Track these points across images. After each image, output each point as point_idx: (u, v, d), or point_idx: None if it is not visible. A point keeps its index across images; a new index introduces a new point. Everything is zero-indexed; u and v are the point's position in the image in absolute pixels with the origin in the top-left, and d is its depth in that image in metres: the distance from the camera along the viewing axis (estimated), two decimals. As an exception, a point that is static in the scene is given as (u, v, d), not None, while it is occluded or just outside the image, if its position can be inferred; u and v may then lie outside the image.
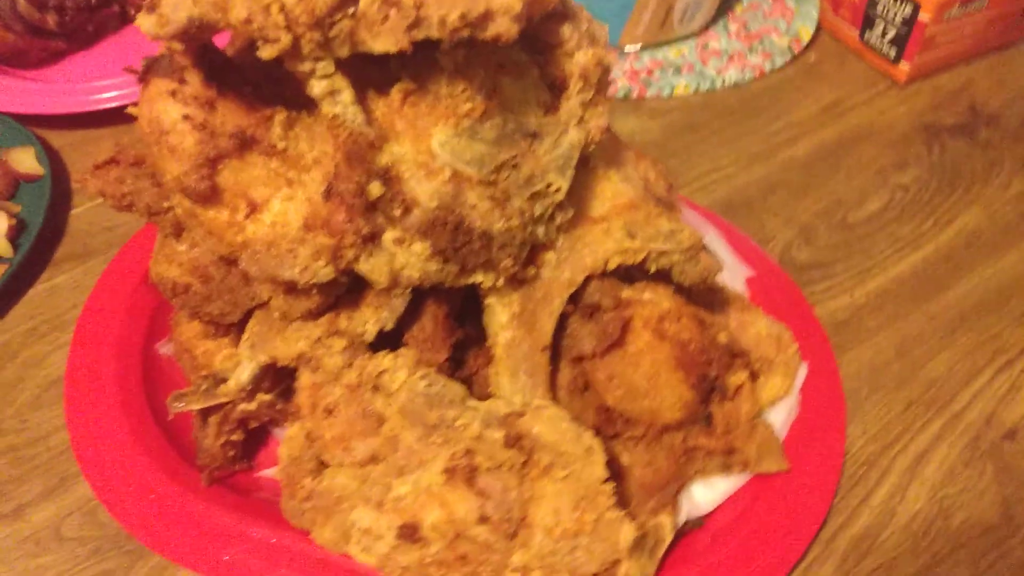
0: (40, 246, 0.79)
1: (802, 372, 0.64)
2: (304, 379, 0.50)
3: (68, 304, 0.76)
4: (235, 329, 0.59)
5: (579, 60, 0.49)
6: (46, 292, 0.77)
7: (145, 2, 0.39)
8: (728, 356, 0.55)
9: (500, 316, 0.49)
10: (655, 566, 0.52)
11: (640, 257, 0.54)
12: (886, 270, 0.78)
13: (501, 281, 0.48)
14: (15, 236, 0.78)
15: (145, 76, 0.44)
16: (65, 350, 0.72)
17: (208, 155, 0.44)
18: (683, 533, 0.56)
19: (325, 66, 0.41)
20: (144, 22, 0.39)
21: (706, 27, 1.04)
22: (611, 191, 0.55)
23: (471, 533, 0.46)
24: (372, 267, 0.45)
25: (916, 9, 0.91)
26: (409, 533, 0.47)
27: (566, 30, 0.49)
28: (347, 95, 0.42)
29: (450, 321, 0.54)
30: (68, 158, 0.89)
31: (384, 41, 0.40)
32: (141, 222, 0.81)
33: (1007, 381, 0.70)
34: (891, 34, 0.95)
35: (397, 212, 0.44)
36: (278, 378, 0.56)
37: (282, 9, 0.38)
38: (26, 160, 0.85)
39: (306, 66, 0.40)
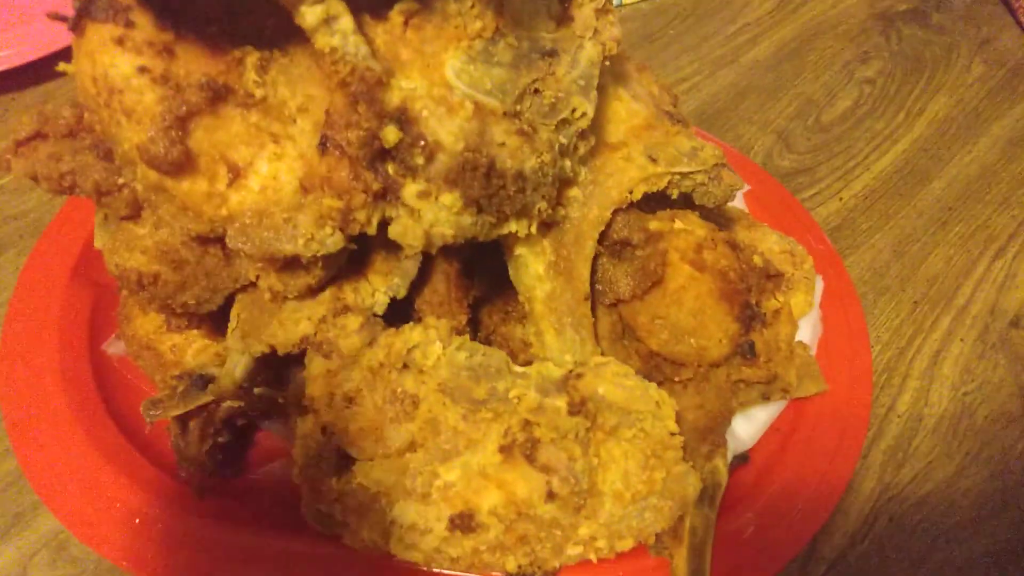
0: (-67, 245, 0.67)
1: (819, 286, 0.61)
2: (316, 366, 0.43)
3: (-17, 308, 0.65)
4: (206, 318, 0.51)
5: (589, -38, 0.43)
6: (-51, 297, 0.66)
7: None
8: (764, 279, 0.51)
9: (534, 267, 0.43)
10: (715, 513, 0.48)
11: (664, 183, 0.49)
12: (868, 168, 0.76)
13: (534, 227, 0.42)
14: (-101, 237, 0.66)
15: (79, 22, 0.35)
16: (-10, 364, 0.62)
17: (176, 113, 0.35)
18: (730, 472, 0.53)
19: (319, -13, 0.33)
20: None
21: (642, -72, 0.97)
22: (624, 111, 0.49)
23: (536, 512, 0.41)
24: (404, 229, 0.38)
25: None
26: (464, 522, 0.41)
27: (574, -73, 0.42)
28: (346, 22, 0.34)
29: (463, 279, 0.48)
30: (-53, 136, 0.76)
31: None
32: (54, 205, 0.70)
33: (1003, 269, 0.69)
34: (836, -79, 0.91)
35: (419, 160, 0.36)
36: (273, 367, 0.48)
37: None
38: None
39: (296, -13, 0.32)
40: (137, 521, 0.50)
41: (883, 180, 0.75)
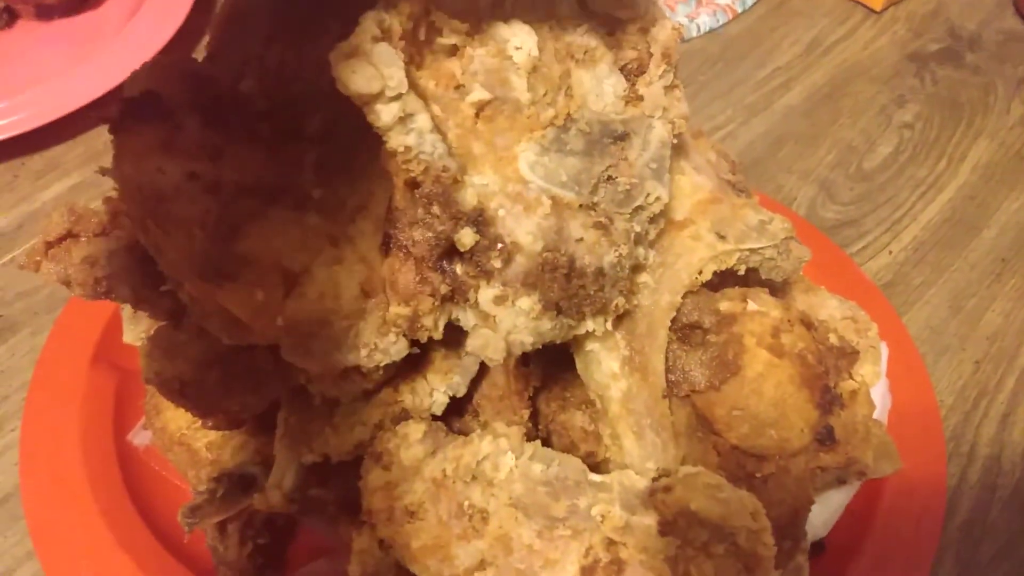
0: (-58, 329, 0.64)
1: (884, 353, 0.58)
2: (374, 478, 0.39)
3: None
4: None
5: (658, 36, 0.40)
6: (-37, 383, 0.62)
7: None
8: (841, 358, 0.48)
9: (608, 364, 0.40)
10: (799, 613, 0.45)
11: (734, 260, 0.46)
12: (915, 218, 0.73)
13: (610, 324, 0.39)
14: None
15: (122, 122, 0.32)
16: (5, 457, 0.59)
17: (228, 222, 0.32)
18: (807, 562, 0.50)
19: (397, 83, 0.30)
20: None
21: (664, -29, 0.95)
22: (688, 186, 0.46)
23: (621, 637, 0.37)
24: (485, 342, 0.35)
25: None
26: (541, 648, 0.38)
27: (640, 1, 0.40)
28: (423, 120, 0.31)
29: (522, 369, 0.45)
30: (-46, 207, 0.73)
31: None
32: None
33: (1065, 322, 0.67)
34: (863, -40, 0.89)
35: (496, 263, 0.33)
36: (322, 471, 0.45)
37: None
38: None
39: (373, 85, 0.29)
40: (172, 635, 0.46)
41: (931, 231, 0.72)
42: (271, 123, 0.34)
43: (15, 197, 0.74)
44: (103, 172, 0.35)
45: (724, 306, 0.45)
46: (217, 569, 0.49)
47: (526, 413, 0.44)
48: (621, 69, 0.41)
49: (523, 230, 0.34)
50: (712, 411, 0.44)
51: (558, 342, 0.38)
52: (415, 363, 0.41)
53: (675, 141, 0.42)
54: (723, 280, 0.48)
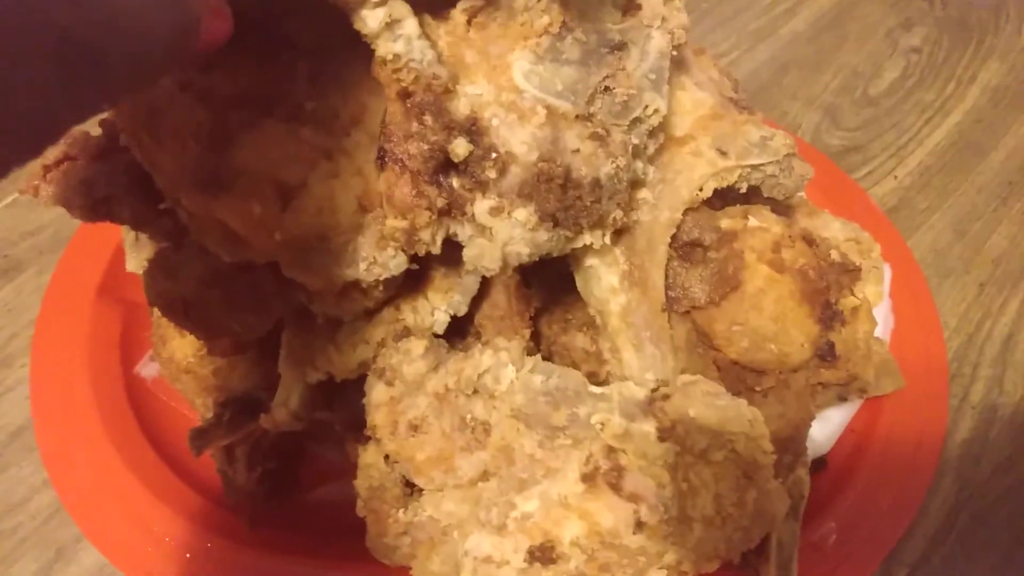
0: (-53, 268, 0.64)
1: (887, 275, 0.58)
2: (378, 394, 0.40)
3: (5, 335, 0.62)
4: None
5: (656, -58, 0.39)
6: (-29, 321, 0.63)
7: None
8: (843, 274, 0.47)
9: (608, 278, 0.40)
10: (799, 525, 0.46)
11: (735, 177, 0.45)
12: (922, 143, 0.72)
13: (608, 238, 0.39)
14: (-86, 257, 0.63)
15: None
16: (17, 392, 0.59)
17: (222, 133, 0.32)
18: (808, 478, 0.50)
19: (382, -12, 0.29)
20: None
21: None
22: (689, 102, 0.46)
23: (622, 542, 0.38)
24: (481, 251, 0.35)
25: None
26: (543, 554, 0.39)
27: (638, -96, 0.39)
28: (410, 25, 0.31)
29: (523, 290, 0.45)
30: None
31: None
32: (72, 219, 0.67)
33: (1071, 245, 0.66)
34: None
35: (491, 174, 0.33)
36: (324, 390, 0.45)
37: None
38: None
39: (356, -10, 0.29)
40: (188, 556, 0.48)
41: (938, 155, 0.71)
42: (262, 33, 0.34)
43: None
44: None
45: (725, 223, 0.45)
46: (227, 494, 0.50)
47: (527, 332, 0.44)
48: (618, -22, 0.40)
49: (517, 140, 0.34)
50: (712, 326, 0.44)
51: (555, 255, 0.38)
52: (416, 282, 0.41)
53: (674, 53, 0.42)
54: (724, 199, 0.48)
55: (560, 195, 0.34)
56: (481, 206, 0.34)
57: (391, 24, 0.30)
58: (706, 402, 0.37)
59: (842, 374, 0.48)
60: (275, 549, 0.48)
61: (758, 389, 0.45)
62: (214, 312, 0.40)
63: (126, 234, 0.48)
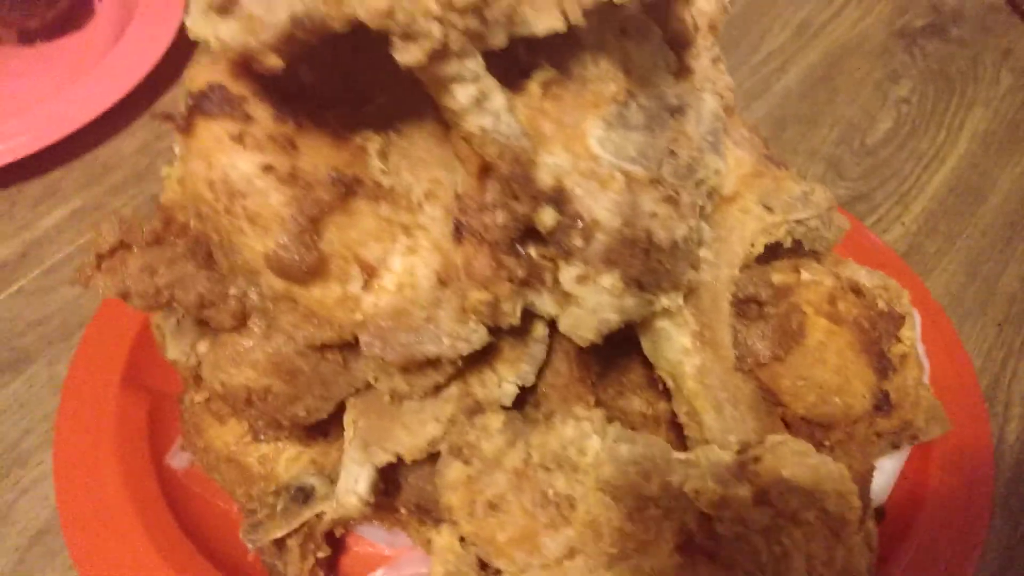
0: (-47, 363, 0.61)
1: (917, 320, 0.58)
2: (455, 473, 0.38)
3: (17, 431, 0.59)
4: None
5: (704, 8, 0.40)
6: (-17, 418, 0.60)
7: (216, 2, 0.26)
8: (890, 323, 0.48)
9: (680, 340, 0.40)
10: (873, 579, 0.45)
11: (782, 232, 0.46)
12: (923, 189, 0.74)
13: (681, 299, 0.38)
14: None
15: (190, 120, 0.31)
16: (34, 493, 0.56)
17: (308, 215, 0.31)
18: (869, 529, 0.50)
19: (473, 65, 0.29)
20: (216, 30, 0.26)
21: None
22: (732, 160, 0.46)
23: (717, 613, 0.37)
24: (577, 321, 0.34)
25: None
26: (635, 631, 0.37)
27: (687, -26, 0.40)
28: (498, 100, 0.31)
29: (583, 356, 0.44)
30: (-48, 240, 0.70)
31: (550, 16, 0.29)
32: (80, 305, 0.65)
33: (1078, 280, 0.68)
34: (844, -57, 0.91)
35: (578, 242, 0.33)
36: (386, 474, 0.44)
37: (437, -8, 0.26)
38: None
39: (451, 68, 0.29)
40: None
41: (939, 201, 0.73)
42: (338, 110, 0.33)
43: (14, 225, 0.72)
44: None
45: (777, 278, 0.45)
46: (276, 587, 0.48)
47: (591, 399, 0.43)
48: (669, 42, 0.41)
49: (601, 207, 0.33)
50: (778, 383, 0.44)
51: (636, 320, 0.37)
52: (484, 356, 0.40)
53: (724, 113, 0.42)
54: (768, 254, 0.48)
55: (644, 259, 0.34)
56: (568, 274, 0.34)
57: (480, 99, 0.30)
58: (798, 461, 0.37)
59: (896, 422, 0.48)
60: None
61: (826, 444, 0.45)
62: (279, 398, 0.39)
63: (165, 321, 0.47)
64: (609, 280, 0.34)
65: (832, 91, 0.83)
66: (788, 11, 0.92)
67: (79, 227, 0.71)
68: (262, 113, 0.31)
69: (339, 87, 0.34)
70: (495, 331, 0.37)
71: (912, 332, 0.54)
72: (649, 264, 0.35)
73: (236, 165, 0.31)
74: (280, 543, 0.47)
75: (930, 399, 0.52)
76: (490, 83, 0.31)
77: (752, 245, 0.44)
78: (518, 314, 0.35)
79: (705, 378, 0.40)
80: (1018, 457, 0.57)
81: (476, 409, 0.40)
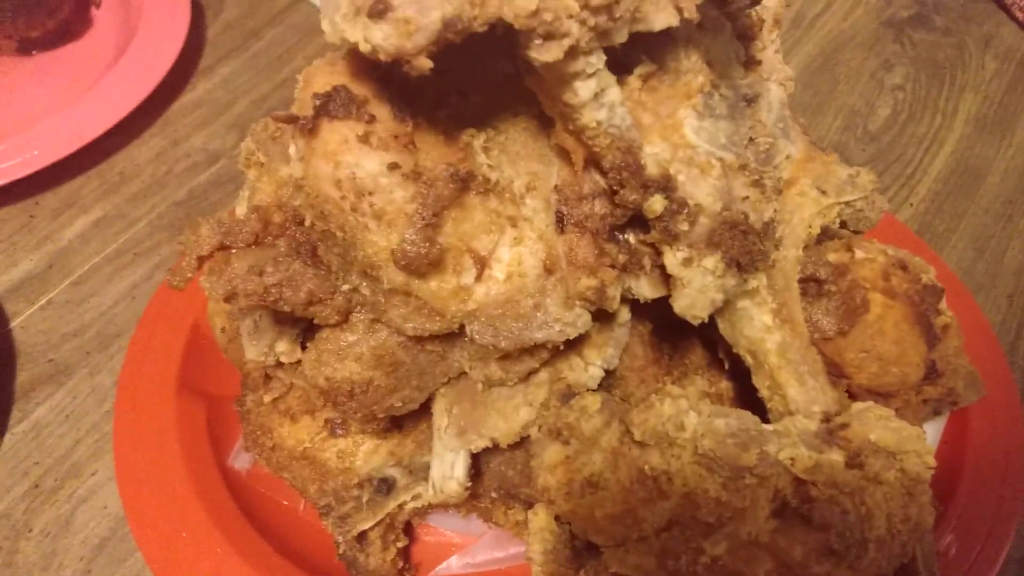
0: (-8, 380, 0.60)
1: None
2: (553, 454, 0.40)
3: (66, 443, 0.59)
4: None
5: (769, 4, 0.42)
6: (28, 435, 0.59)
7: (359, 4, 0.27)
8: (933, 296, 0.51)
9: (761, 318, 0.42)
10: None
11: (835, 214, 0.48)
12: (927, 172, 0.78)
13: (766, 279, 0.40)
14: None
15: (315, 121, 0.32)
16: (92, 503, 0.56)
17: (431, 210, 0.33)
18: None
19: (596, 60, 0.31)
20: (370, 34, 0.27)
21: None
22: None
23: (810, 572, 0.39)
24: (692, 301, 0.36)
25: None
26: (733, 596, 0.39)
27: (752, -30, 0.42)
28: (614, 93, 0.32)
29: (655, 339, 0.46)
30: (-23, 255, 0.69)
31: (667, 13, 0.31)
32: (115, 314, 0.64)
33: (1077, 252, 0.72)
34: (832, -62, 0.94)
35: (684, 226, 0.35)
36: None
37: (580, -8, 0.27)
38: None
39: (579, 64, 0.30)
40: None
41: (943, 181, 0.77)
42: (448, 109, 0.35)
43: (36, 237, 0.71)
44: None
45: (833, 257, 0.48)
46: (358, 579, 0.48)
47: (667, 380, 0.45)
48: (738, 36, 0.43)
49: (703, 192, 0.35)
50: (842, 355, 0.46)
51: (732, 299, 0.39)
52: (571, 341, 0.42)
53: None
54: (820, 235, 0.50)
55: (743, 240, 0.36)
56: (673, 258, 0.35)
57: (599, 93, 0.32)
58: (883, 425, 0.39)
59: (941, 389, 0.51)
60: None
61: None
62: (379, 390, 0.40)
63: (242, 323, 0.47)
64: (711, 262, 0.36)
65: (832, 80, 0.86)
66: (782, 4, 0.95)
67: (104, 237, 0.71)
68: (383, 113, 0.33)
69: (447, 87, 0.36)
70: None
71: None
72: (746, 245, 0.36)
73: (362, 164, 0.32)
74: (361, 536, 0.48)
75: (967, 366, 0.55)
76: (608, 78, 0.32)
77: (811, 226, 0.47)
78: (618, 299, 0.37)
79: (787, 353, 0.42)
80: (1038, 418, 0.61)
81: (568, 393, 0.41)
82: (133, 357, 0.57)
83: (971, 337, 0.60)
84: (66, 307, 0.66)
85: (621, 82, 0.36)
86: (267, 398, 0.50)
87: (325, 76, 0.33)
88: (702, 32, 0.40)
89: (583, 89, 0.31)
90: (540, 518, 0.41)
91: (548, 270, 0.36)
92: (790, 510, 0.38)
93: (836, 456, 0.38)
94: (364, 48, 0.27)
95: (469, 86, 0.37)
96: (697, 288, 0.36)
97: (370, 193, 0.32)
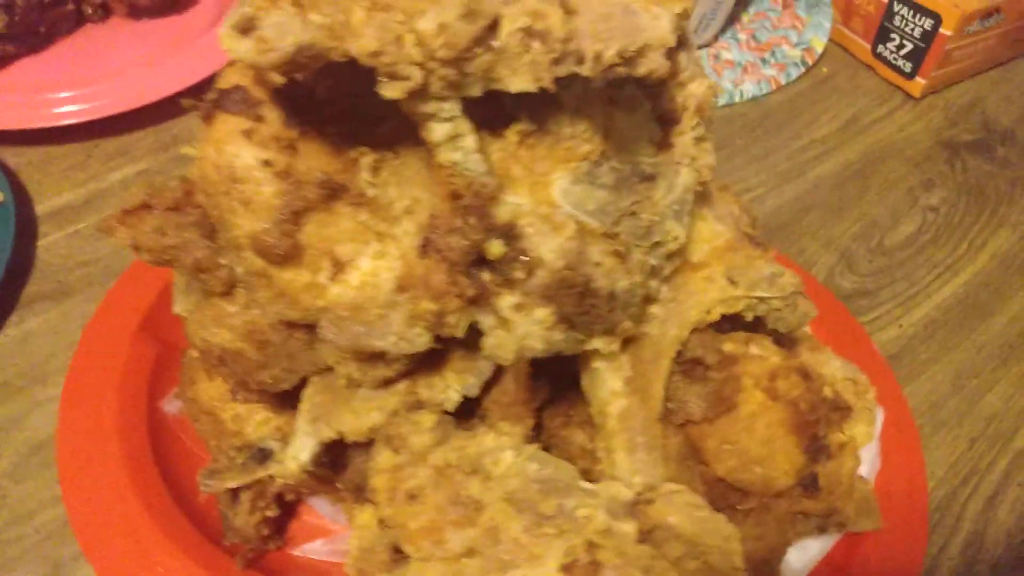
0: (6, 284, 0.68)
1: (880, 417, 0.60)
2: (384, 459, 0.43)
3: (44, 353, 0.66)
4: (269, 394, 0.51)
5: (696, 92, 0.44)
6: (17, 339, 0.67)
7: (235, 21, 0.31)
8: (833, 411, 0.50)
9: (611, 382, 0.44)
10: (768, 647, 0.47)
11: (741, 306, 0.49)
12: (930, 297, 0.76)
13: (617, 345, 0.42)
14: (-30, 277, 0.67)
15: (211, 111, 0.36)
16: (46, 408, 0.62)
17: (292, 208, 0.36)
18: (781, 604, 0.52)
19: (451, 107, 0.34)
20: (236, 45, 0.31)
21: (716, 37, 1.00)
22: (708, 232, 0.50)
23: (591, 636, 0.40)
24: (499, 342, 0.38)
25: (936, 23, 0.89)
26: (515, 638, 0.41)
27: (682, 59, 0.44)
28: (470, 141, 0.35)
29: (532, 382, 0.48)
30: (28, 180, 0.78)
31: (523, 78, 0.33)
32: (125, 255, 0.72)
33: (1064, 414, 0.68)
34: (907, 48, 0.93)
35: (520, 274, 0.37)
36: (334, 451, 0.48)
37: (418, 42, 0.31)
38: (-19, 187, 0.74)
39: (430, 107, 0.34)
40: (178, 588, 0.50)
41: (944, 310, 0.75)
42: (340, 126, 0.39)
43: (86, 175, 0.79)
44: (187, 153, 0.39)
45: (728, 347, 0.49)
46: (225, 533, 0.52)
47: (531, 422, 0.47)
48: (658, 118, 0.45)
49: (547, 248, 0.38)
50: (704, 442, 0.47)
51: (566, 353, 0.41)
52: (435, 361, 0.45)
53: (700, 188, 0.46)
54: (733, 326, 0.51)
55: (578, 301, 0.38)
56: (506, 301, 0.38)
57: (454, 137, 0.35)
58: (686, 512, 0.40)
59: (823, 506, 0.51)
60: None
61: (740, 508, 0.48)
62: (249, 363, 0.44)
63: (177, 279, 0.52)
64: (542, 313, 0.38)
65: (863, 187, 0.85)
66: (840, 105, 0.94)
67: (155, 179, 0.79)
68: (273, 117, 0.37)
69: (349, 107, 0.39)
70: (446, 340, 0.42)
71: (864, 427, 0.56)
72: (582, 307, 0.38)
73: (241, 155, 0.36)
74: (235, 495, 0.52)
75: (864, 492, 0.54)
76: (465, 126, 0.35)
77: (708, 312, 0.48)
78: (462, 328, 0.40)
79: (627, 420, 0.43)
80: (956, 569, 0.58)
81: (418, 407, 0.44)
82: (113, 293, 0.64)
83: (899, 471, 0.59)
84: (88, 240, 0.74)
85: (498, 135, 0.39)
86: (194, 353, 0.55)
87: (235, 75, 0.37)
88: (612, 106, 0.42)
89: (437, 131, 0.35)
90: (364, 516, 0.44)
91: (401, 288, 0.39)
92: (578, 569, 0.40)
93: (628, 527, 0.39)
94: (233, 56, 0.32)
95: (384, 111, 0.40)
96: (520, 334, 0.38)
97: (242, 182, 0.36)
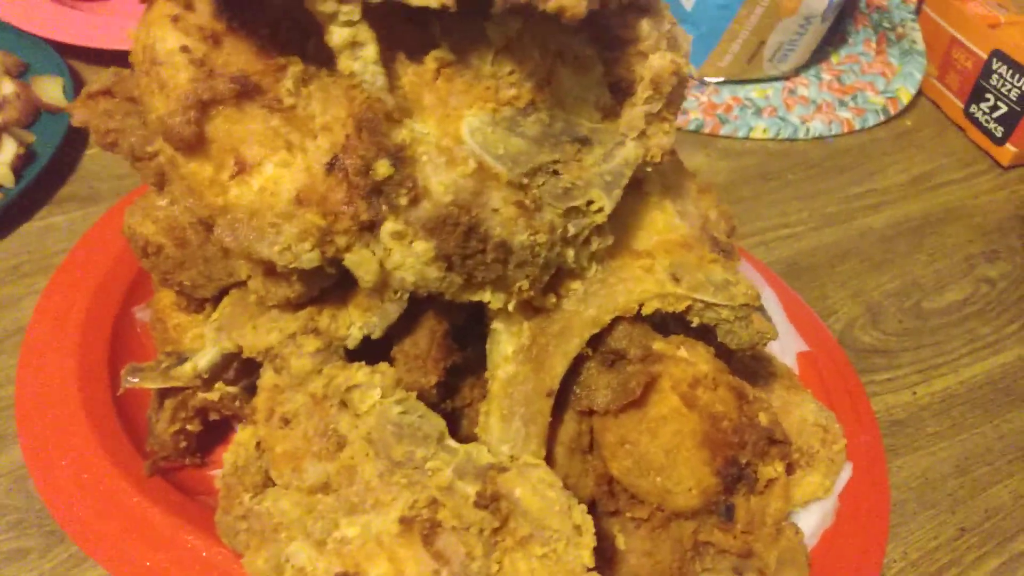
0: (44, 181, 0.73)
1: (846, 473, 0.55)
2: (266, 379, 0.42)
3: (58, 247, 0.70)
4: (213, 305, 0.52)
5: (653, 63, 0.42)
6: (40, 230, 0.71)
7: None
8: (766, 441, 0.46)
9: (504, 346, 0.42)
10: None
11: (683, 306, 0.46)
12: (957, 371, 0.69)
13: (512, 304, 0.40)
14: (21, 167, 0.72)
15: (148, -6, 0.38)
16: (33, 299, 0.66)
17: (200, 96, 0.37)
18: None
19: (350, 10, 0.34)
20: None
21: (796, 71, 0.95)
22: (663, 223, 0.47)
23: (421, 598, 0.38)
24: (360, 260, 0.37)
25: (1036, 88, 0.82)
26: (349, 583, 0.39)
27: (645, 26, 0.42)
28: (370, 50, 0.35)
29: (448, 341, 0.47)
30: (97, 94, 0.84)
31: (421, -7, 0.33)
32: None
33: (1081, 528, 0.60)
34: (1001, 110, 0.86)
35: (403, 200, 0.36)
36: (245, 370, 0.48)
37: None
38: (52, 90, 0.79)
39: (328, 6, 0.33)
40: (85, 476, 0.51)
41: (969, 388, 0.67)
42: (272, 30, 0.39)
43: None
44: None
45: (658, 346, 0.46)
46: (148, 439, 0.53)
47: (434, 379, 0.45)
48: (612, 86, 0.43)
49: (438, 179, 0.36)
50: (603, 435, 0.44)
51: (447, 297, 0.39)
52: (342, 296, 0.44)
53: (649, 169, 0.44)
54: (683, 331, 0.48)
55: (461, 241, 0.37)
56: (387, 227, 0.37)
57: (354, 44, 0.34)
58: (536, 488, 0.37)
59: (738, 543, 0.46)
60: (158, 502, 0.50)
61: (630, 516, 0.44)
62: (168, 260, 0.45)
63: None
64: (422, 246, 0.37)
65: (914, 246, 0.78)
66: (915, 160, 0.88)
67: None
68: (203, 7, 0.37)
69: (290, 11, 0.40)
70: (342, 270, 0.41)
71: (820, 477, 0.51)
72: (466, 248, 0.37)
73: (165, 38, 0.37)
74: (160, 402, 0.53)
75: (794, 542, 0.49)
76: (366, 34, 0.35)
77: (640, 304, 0.45)
78: (348, 249, 0.38)
79: (511, 387, 0.41)
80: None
81: (315, 335, 0.43)
82: (125, 200, 0.67)
83: (856, 538, 0.53)
84: (129, 157, 0.79)
85: (417, 60, 0.38)
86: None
87: (179, -34, 0.38)
88: (559, 60, 0.41)
89: (336, 34, 0.34)
90: (244, 434, 0.44)
91: (300, 200, 0.39)
92: (416, 524, 0.38)
93: (469, 489, 0.37)
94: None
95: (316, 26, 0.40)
96: (393, 262, 0.37)
97: (161, 64, 0.37)
